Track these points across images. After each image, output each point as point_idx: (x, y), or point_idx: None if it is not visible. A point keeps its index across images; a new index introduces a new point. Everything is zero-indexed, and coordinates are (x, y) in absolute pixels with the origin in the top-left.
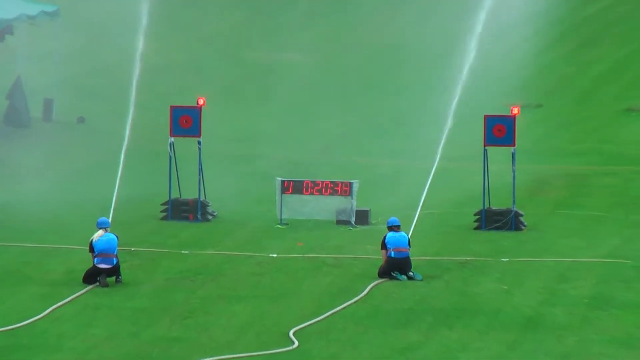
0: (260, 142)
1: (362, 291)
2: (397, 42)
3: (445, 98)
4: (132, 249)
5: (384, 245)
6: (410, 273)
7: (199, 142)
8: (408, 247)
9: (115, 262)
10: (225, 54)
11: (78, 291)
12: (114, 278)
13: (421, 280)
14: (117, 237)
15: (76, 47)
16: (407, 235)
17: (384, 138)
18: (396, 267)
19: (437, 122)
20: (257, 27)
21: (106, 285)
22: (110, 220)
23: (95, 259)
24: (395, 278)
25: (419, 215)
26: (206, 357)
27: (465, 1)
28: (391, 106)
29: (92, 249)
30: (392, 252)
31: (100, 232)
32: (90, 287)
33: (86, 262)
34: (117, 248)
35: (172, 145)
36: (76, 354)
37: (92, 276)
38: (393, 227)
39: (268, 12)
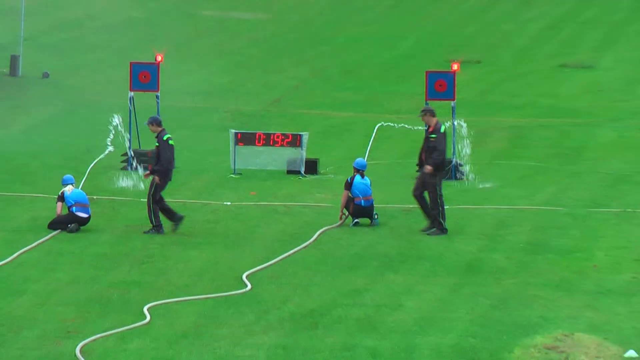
0: (215, 95)
1: (311, 237)
2: None
3: (393, 52)
4: (94, 198)
5: (348, 186)
6: (376, 215)
7: (157, 96)
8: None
9: (90, 212)
10: (181, 11)
11: (42, 237)
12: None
13: (377, 225)
14: (82, 192)
15: (39, 4)
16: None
17: (333, 90)
18: (363, 213)
19: (385, 75)
20: None
21: (76, 230)
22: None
23: (74, 208)
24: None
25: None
26: (163, 299)
27: None
28: (341, 60)
29: (61, 199)
30: (362, 201)
31: (69, 187)
32: (54, 233)
33: (50, 209)
34: None
35: (131, 99)
36: (40, 297)
37: (63, 223)
38: (360, 171)
39: None
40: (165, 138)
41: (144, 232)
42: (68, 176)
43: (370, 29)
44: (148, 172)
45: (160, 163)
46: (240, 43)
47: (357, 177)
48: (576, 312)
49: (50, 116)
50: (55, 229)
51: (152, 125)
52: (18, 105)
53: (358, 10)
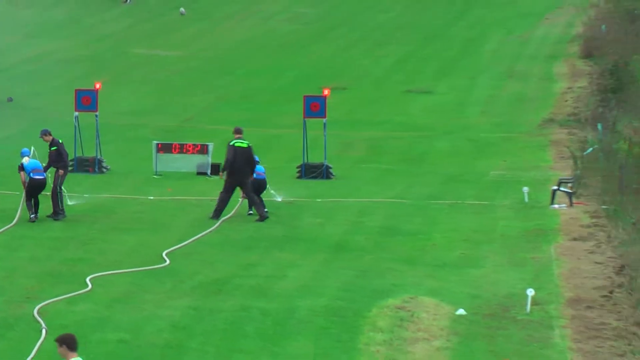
0: (142, 114)
1: (215, 224)
2: (245, 39)
3: (279, 82)
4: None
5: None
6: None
7: (96, 116)
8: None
9: (45, 175)
10: (117, 50)
11: (7, 225)
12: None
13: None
14: (36, 162)
15: (7, 45)
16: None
17: (234, 111)
18: (257, 186)
19: (274, 99)
20: (142, 30)
21: (35, 220)
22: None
23: (31, 174)
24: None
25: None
26: (102, 272)
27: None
28: (240, 87)
29: (22, 169)
30: (255, 175)
31: (26, 158)
32: (13, 223)
33: (14, 203)
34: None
35: (76, 118)
36: (6, 271)
37: (30, 189)
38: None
39: (150, 18)
40: (61, 141)
41: (48, 216)
42: (25, 149)
43: (263, 64)
44: (61, 172)
45: (63, 160)
46: (161, 74)
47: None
48: (419, 280)
49: (14, 131)
50: (29, 198)
51: (46, 135)
52: None
53: (254, 49)
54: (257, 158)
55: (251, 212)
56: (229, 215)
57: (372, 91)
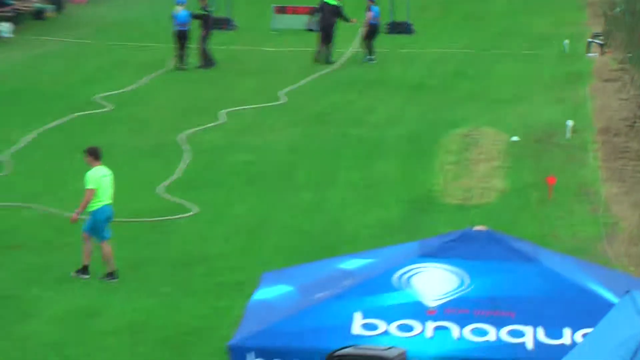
0: None
1: (327, 69)
2: None
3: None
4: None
5: (369, 8)
6: (371, 56)
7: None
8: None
9: (187, 28)
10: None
11: (160, 70)
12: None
13: (371, 61)
14: (188, 12)
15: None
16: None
17: None
18: (373, 31)
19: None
20: None
21: (181, 68)
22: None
23: (177, 27)
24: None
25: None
26: (229, 108)
27: None
28: None
29: (173, 18)
30: (372, 21)
31: (179, 7)
32: (164, 69)
33: (164, 54)
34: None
35: None
36: (157, 108)
37: (175, 39)
38: (373, 2)
39: None
40: (211, 10)
41: (198, 67)
42: None
43: None
44: (203, 33)
45: (207, 27)
46: None
47: (373, 6)
48: (481, 113)
49: None
50: (178, 47)
51: (202, 1)
52: None
53: None
54: None
55: (370, 58)
56: (336, 64)
57: None
